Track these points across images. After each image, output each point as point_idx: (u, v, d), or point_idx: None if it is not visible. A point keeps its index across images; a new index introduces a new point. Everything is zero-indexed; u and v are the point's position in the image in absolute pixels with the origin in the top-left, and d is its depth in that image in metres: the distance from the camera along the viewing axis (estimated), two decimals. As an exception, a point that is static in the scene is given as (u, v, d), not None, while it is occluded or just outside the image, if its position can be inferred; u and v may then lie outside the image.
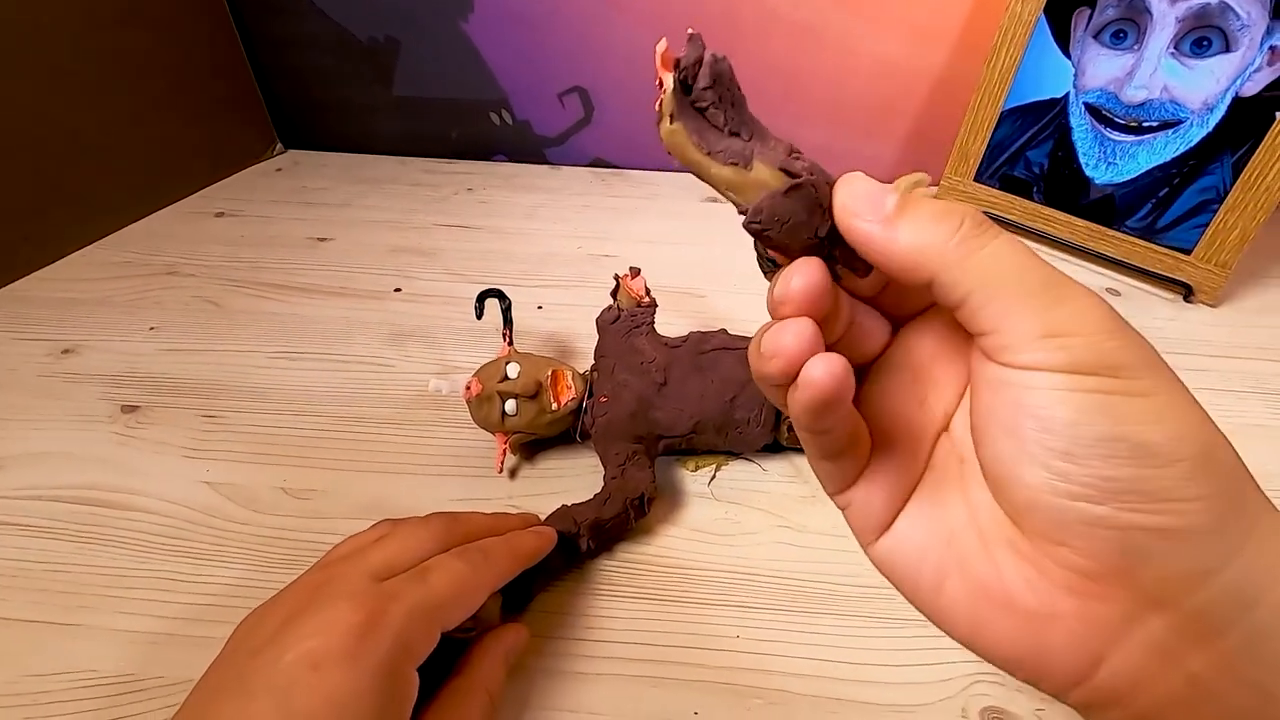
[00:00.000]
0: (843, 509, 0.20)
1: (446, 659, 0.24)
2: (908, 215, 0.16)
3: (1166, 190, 0.53)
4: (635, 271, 0.39)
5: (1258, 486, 0.16)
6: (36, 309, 0.51)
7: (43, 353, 0.46)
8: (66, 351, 0.46)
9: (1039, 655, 0.17)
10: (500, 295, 0.38)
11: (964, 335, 0.17)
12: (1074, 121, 0.56)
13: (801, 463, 0.38)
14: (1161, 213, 0.53)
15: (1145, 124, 0.52)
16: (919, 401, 0.19)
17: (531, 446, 0.39)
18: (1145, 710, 0.16)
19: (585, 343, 0.47)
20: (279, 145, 0.84)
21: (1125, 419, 0.15)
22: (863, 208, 0.17)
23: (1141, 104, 0.52)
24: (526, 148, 0.82)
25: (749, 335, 0.37)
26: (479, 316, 0.38)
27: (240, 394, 0.43)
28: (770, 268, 0.19)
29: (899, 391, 0.20)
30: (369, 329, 0.50)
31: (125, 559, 0.32)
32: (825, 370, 0.16)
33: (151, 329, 0.49)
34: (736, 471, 0.38)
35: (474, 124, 0.81)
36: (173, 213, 0.68)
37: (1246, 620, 0.15)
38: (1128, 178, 0.54)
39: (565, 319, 0.51)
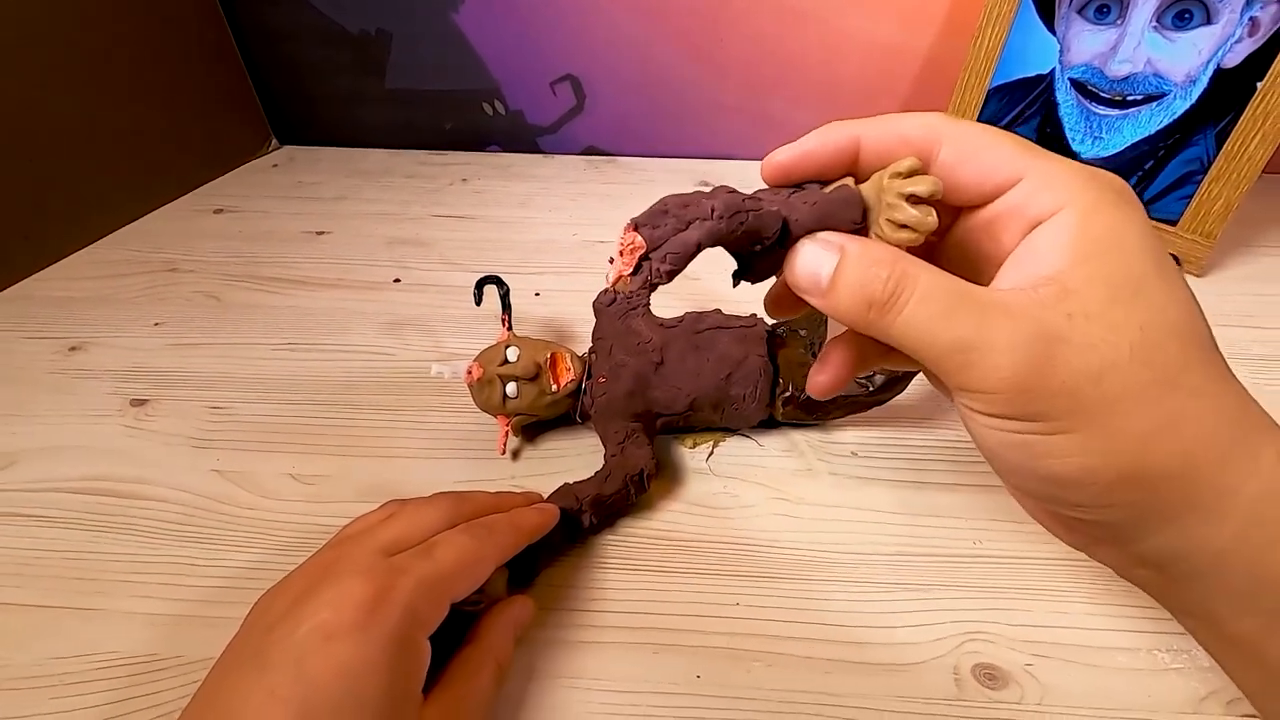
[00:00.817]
0: None
1: (457, 630, 0.25)
2: (833, 294, 0.20)
3: (1152, 163, 0.53)
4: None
5: (1224, 463, 0.17)
6: (41, 308, 0.52)
7: (50, 350, 0.47)
8: (74, 349, 0.47)
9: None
10: (499, 281, 0.39)
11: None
12: (1060, 97, 0.56)
13: (796, 437, 0.39)
14: (1147, 185, 0.54)
15: (1130, 98, 0.53)
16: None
17: (533, 429, 0.40)
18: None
19: (583, 327, 0.48)
20: (274, 141, 0.84)
21: (1039, 454, 0.18)
22: (806, 287, 0.21)
23: (1126, 78, 0.52)
24: (519, 137, 0.82)
25: (743, 315, 0.38)
26: (478, 303, 0.39)
27: (245, 385, 0.44)
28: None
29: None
30: (368, 319, 0.50)
31: (140, 546, 0.33)
32: None
33: (156, 324, 0.50)
34: (733, 447, 0.39)
35: (467, 115, 0.81)
36: (171, 211, 0.68)
37: (1198, 579, 0.18)
38: (1113, 151, 0.55)
39: (562, 304, 0.51)
